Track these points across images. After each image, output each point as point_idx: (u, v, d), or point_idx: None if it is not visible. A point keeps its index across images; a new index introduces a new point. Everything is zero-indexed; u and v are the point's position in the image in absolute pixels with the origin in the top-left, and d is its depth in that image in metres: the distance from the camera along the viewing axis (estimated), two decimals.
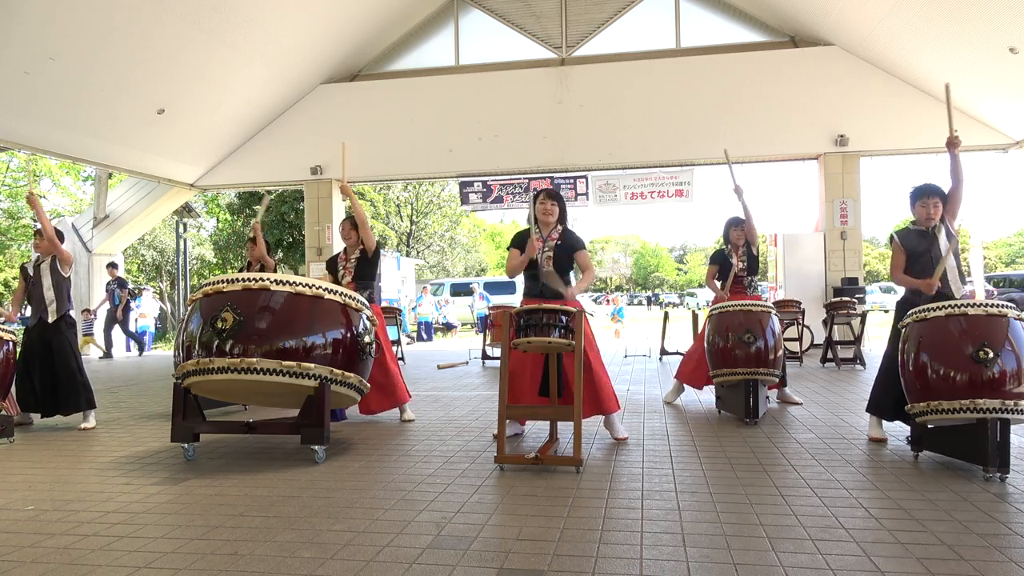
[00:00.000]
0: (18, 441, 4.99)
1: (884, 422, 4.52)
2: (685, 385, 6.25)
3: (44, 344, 5.48)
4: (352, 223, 5.66)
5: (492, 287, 22.83)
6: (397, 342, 11.40)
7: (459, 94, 13.04)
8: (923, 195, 4.34)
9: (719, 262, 6.26)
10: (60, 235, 5.70)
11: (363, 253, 5.56)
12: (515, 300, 20.37)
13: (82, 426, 5.46)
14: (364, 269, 5.51)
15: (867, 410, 4.55)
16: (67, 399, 5.47)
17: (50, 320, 5.49)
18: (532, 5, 12.93)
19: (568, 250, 4.58)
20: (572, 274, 4.73)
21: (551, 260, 4.54)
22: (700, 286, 50.35)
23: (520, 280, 4.88)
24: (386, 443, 4.65)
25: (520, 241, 4.70)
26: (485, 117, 12.90)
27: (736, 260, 6.11)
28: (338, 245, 13.16)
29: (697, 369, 5.99)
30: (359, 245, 5.59)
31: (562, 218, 4.68)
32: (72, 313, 5.73)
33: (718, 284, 6.18)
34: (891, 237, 4.47)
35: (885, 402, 4.33)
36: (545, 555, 2.56)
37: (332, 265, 5.66)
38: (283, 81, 12.75)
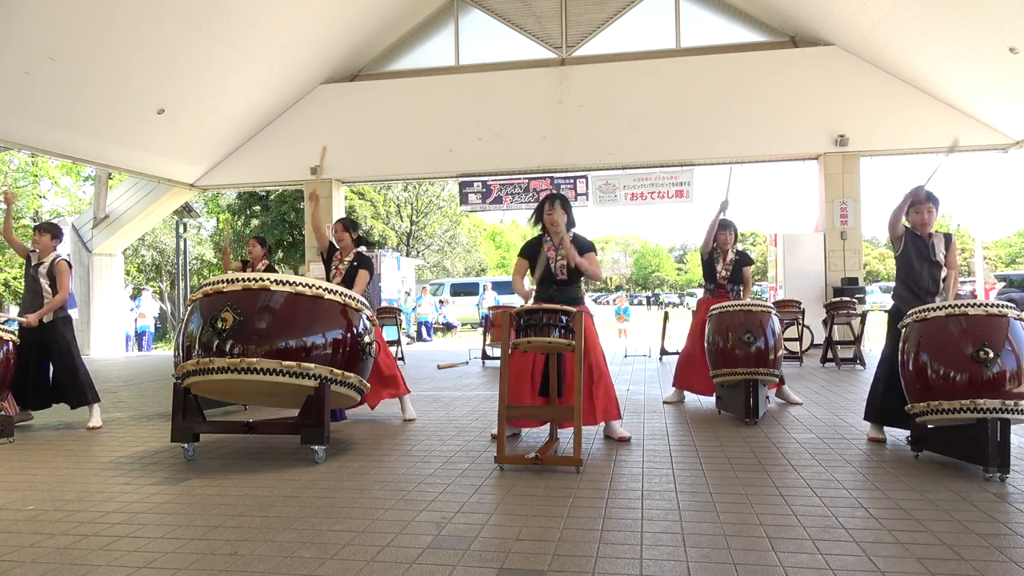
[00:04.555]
0: (18, 441, 4.99)
1: None
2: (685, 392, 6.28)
3: (41, 342, 5.50)
4: (344, 225, 5.61)
5: (495, 287, 22.80)
6: (397, 342, 11.41)
7: (459, 94, 13.04)
8: (917, 201, 4.35)
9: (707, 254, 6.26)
10: (58, 232, 5.69)
11: (356, 260, 5.51)
12: (517, 300, 20.34)
13: (89, 425, 5.47)
14: (353, 278, 5.37)
15: (864, 418, 4.59)
16: (72, 395, 5.51)
17: (46, 321, 5.51)
18: (532, 5, 12.93)
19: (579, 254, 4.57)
20: (582, 280, 4.74)
21: (565, 268, 4.54)
22: (700, 286, 50.37)
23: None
24: (386, 443, 4.65)
25: (528, 251, 4.70)
26: (485, 117, 12.90)
27: (721, 267, 6.10)
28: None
29: (695, 373, 6.01)
30: (354, 249, 5.57)
31: (570, 223, 4.64)
32: (73, 313, 5.75)
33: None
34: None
35: (878, 406, 4.36)
36: (545, 555, 2.56)
37: (328, 256, 5.56)
38: (283, 81, 12.75)
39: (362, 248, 5.62)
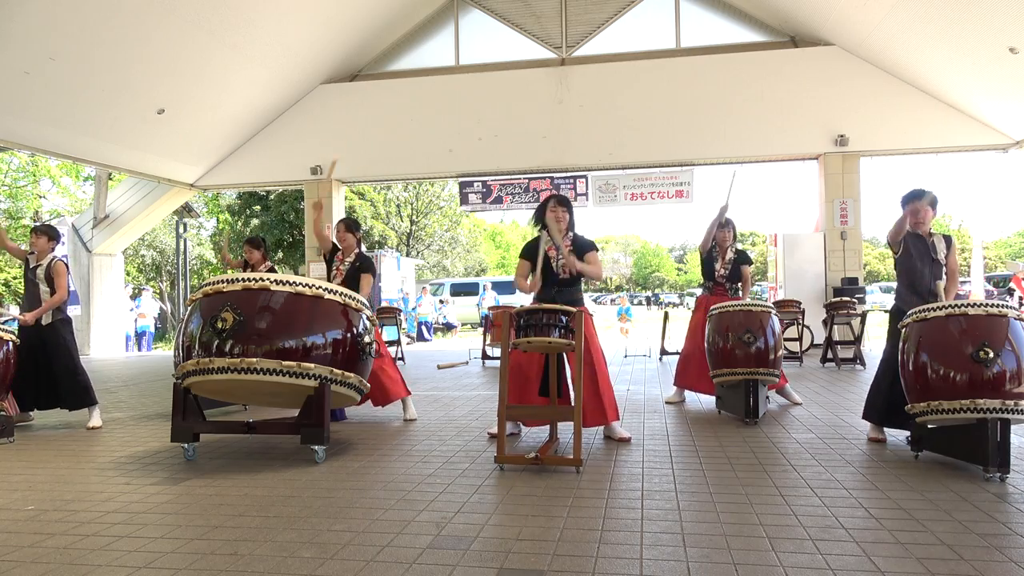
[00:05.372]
0: (18, 441, 4.99)
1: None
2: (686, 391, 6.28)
3: (40, 343, 5.49)
4: (347, 226, 5.61)
5: (495, 287, 22.79)
6: (397, 342, 11.42)
7: (459, 94, 13.04)
8: (913, 199, 4.36)
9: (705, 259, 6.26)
10: (55, 233, 5.69)
11: (357, 261, 5.51)
12: (517, 300, 20.36)
13: (89, 425, 5.47)
14: (355, 280, 5.39)
15: (863, 417, 4.59)
16: (70, 397, 5.50)
17: (44, 322, 5.51)
18: (532, 5, 12.93)
19: (579, 254, 4.58)
20: (582, 281, 4.73)
21: (565, 268, 4.54)
22: (700, 286, 50.34)
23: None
24: (386, 443, 4.65)
25: (528, 252, 4.69)
26: (485, 117, 12.90)
27: (720, 266, 6.08)
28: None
29: (698, 374, 6.01)
30: (355, 250, 5.57)
31: (570, 225, 4.65)
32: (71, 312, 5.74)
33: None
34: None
35: (879, 406, 4.36)
36: (545, 555, 2.56)
37: (329, 257, 5.59)
38: (283, 81, 12.75)
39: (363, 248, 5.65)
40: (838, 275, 11.86)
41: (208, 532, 2.89)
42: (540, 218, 4.67)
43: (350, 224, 5.64)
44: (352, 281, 5.37)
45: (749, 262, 6.17)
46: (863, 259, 12.38)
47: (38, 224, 5.70)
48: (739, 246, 6.27)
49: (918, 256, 4.34)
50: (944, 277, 4.30)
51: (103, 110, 10.97)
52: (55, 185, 25.04)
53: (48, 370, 5.47)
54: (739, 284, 6.09)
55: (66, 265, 5.66)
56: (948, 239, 4.39)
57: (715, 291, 6.11)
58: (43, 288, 5.52)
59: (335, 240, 5.65)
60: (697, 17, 12.70)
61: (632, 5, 12.76)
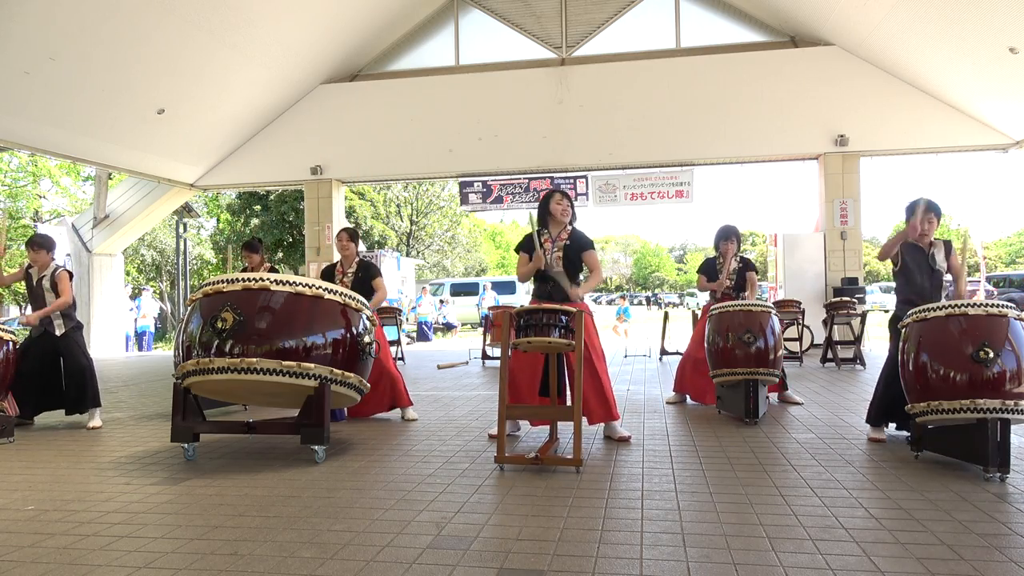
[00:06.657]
0: (18, 441, 4.99)
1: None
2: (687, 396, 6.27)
3: (51, 350, 5.48)
4: (349, 236, 5.60)
5: (495, 287, 22.80)
6: (397, 342, 11.41)
7: (459, 94, 13.05)
8: (915, 210, 4.37)
9: (707, 272, 6.18)
10: (50, 242, 5.65)
11: (360, 271, 5.51)
12: (517, 300, 20.37)
13: (89, 425, 5.46)
14: (362, 287, 5.40)
15: (866, 421, 4.61)
16: (79, 400, 5.51)
17: (58, 333, 5.51)
18: (532, 5, 12.93)
19: (577, 249, 4.58)
20: (581, 275, 4.72)
21: (560, 259, 4.53)
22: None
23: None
24: (386, 443, 4.65)
25: (527, 245, 4.68)
26: (485, 117, 12.90)
27: (724, 277, 6.01)
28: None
29: (696, 379, 5.99)
30: (356, 259, 5.56)
31: (572, 218, 4.68)
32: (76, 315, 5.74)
33: (711, 284, 6.13)
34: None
35: (879, 409, 4.37)
36: (545, 555, 2.56)
37: (328, 275, 5.59)
38: (283, 81, 12.75)
39: (362, 250, 5.63)
40: (838, 275, 11.86)
41: (208, 532, 2.89)
42: (543, 213, 4.67)
43: (353, 234, 5.62)
44: (360, 290, 5.36)
45: (754, 269, 6.09)
46: (863, 259, 12.38)
47: (32, 237, 5.64)
48: (743, 255, 6.19)
49: (915, 268, 4.35)
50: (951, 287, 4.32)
51: (103, 110, 10.97)
52: (55, 185, 25.04)
53: (58, 375, 5.48)
54: (746, 293, 6.04)
55: (70, 274, 5.64)
56: (948, 244, 4.39)
57: (721, 299, 6.00)
58: (48, 300, 5.51)
59: (336, 249, 5.61)
60: (697, 17, 12.70)
61: (632, 5, 12.76)
